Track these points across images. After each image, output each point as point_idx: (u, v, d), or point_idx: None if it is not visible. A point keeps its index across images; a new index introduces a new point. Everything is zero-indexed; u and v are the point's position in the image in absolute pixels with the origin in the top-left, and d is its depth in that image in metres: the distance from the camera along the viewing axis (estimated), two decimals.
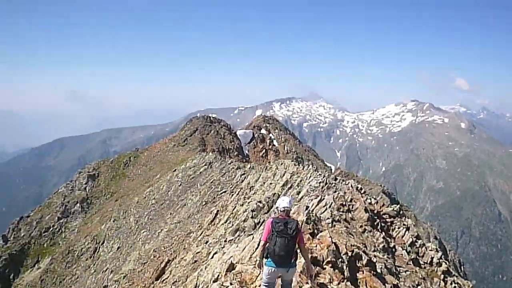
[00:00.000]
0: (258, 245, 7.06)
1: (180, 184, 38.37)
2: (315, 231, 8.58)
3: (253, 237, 10.45)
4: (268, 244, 5.55)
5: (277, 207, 5.87)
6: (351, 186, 15.87)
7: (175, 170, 44.54)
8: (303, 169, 21.50)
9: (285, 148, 71.91)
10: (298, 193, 16.70)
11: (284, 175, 21.18)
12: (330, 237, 7.91)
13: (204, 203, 29.56)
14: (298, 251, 5.84)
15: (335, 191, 14.34)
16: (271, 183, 21.50)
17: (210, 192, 31.38)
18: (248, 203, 20.52)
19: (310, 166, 21.83)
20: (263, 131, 77.17)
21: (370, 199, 14.59)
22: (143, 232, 31.92)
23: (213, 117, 73.74)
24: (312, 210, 12.04)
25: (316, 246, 7.76)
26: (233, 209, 21.78)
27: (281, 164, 24.70)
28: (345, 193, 14.19)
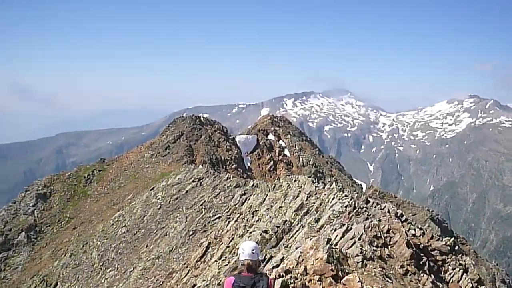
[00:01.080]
0: None
1: (160, 207, 38.36)
2: (340, 273, 8.49)
3: None
4: None
5: (238, 258, 5.52)
6: (389, 211, 15.77)
7: (153, 188, 44.54)
8: (323, 188, 21.39)
9: (300, 160, 71.95)
10: (317, 220, 16.58)
11: (298, 196, 21.09)
12: (360, 281, 7.82)
13: (191, 232, 29.52)
14: None
15: (366, 219, 14.23)
16: (281, 207, 21.41)
17: (199, 218, 31.36)
18: (250, 233, 20.42)
19: (334, 183, 21.71)
20: (270, 136, 77.30)
21: (414, 229, 14.48)
22: (109, 271, 31.86)
23: (204, 118, 73.94)
24: (336, 244, 11.94)
25: None
26: (230, 241, 21.69)
27: (295, 181, 24.58)
28: (380, 220, 14.08)
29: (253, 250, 5.50)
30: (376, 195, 72.37)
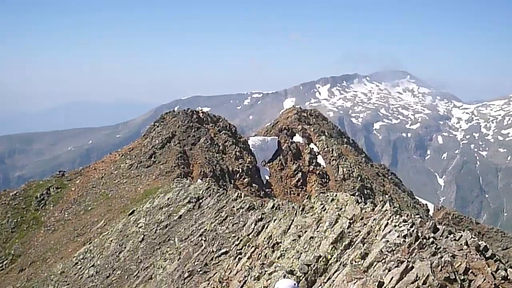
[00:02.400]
0: None
1: (143, 239, 38.43)
2: None
3: None
4: None
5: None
6: (467, 243, 15.61)
7: (132, 212, 44.65)
8: (372, 210, 21.26)
9: (340, 171, 71.83)
10: (364, 256, 16.46)
11: (337, 221, 20.99)
12: None
13: (187, 274, 29.53)
14: None
15: (434, 254, 14.10)
16: (312, 238, 21.31)
17: (198, 254, 31.35)
18: (270, 274, 20.38)
19: (387, 204, 21.56)
20: (297, 138, 77.31)
21: (506, 269, 14.30)
22: None
23: (204, 113, 74.21)
24: None
25: None
26: (241, 287, 21.64)
27: (332, 201, 24.46)
28: (454, 257, 13.93)
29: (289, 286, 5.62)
30: (448, 220, 71.95)
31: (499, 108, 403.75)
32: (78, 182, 59.69)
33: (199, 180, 52.14)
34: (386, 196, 70.12)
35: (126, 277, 34.69)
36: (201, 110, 77.90)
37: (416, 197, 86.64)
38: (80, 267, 39.41)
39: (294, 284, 6.66)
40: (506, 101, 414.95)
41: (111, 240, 41.02)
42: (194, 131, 66.29)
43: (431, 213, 77.82)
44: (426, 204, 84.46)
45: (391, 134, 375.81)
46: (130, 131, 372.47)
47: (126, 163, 60.80)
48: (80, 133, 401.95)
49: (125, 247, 38.75)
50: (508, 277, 13.60)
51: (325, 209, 24.08)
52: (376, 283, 11.76)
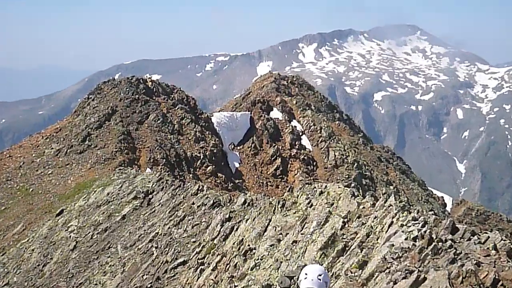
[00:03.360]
0: None
1: (75, 247, 38.26)
2: None
3: None
4: None
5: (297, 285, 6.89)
6: (495, 247, 15.75)
7: (61, 212, 44.40)
8: (373, 205, 21.38)
9: (331, 155, 72.09)
10: (362, 265, 16.55)
11: (327, 220, 21.10)
12: None
13: None
14: None
15: (453, 261, 14.21)
16: (295, 242, 21.40)
17: (148, 265, 31.35)
18: None
19: (392, 197, 21.69)
20: (276, 113, 77.46)
21: None
22: None
23: (153, 82, 73.84)
24: None
25: None
26: None
27: (321, 194, 24.58)
28: (479, 265, 14.06)
29: (319, 275, 6.74)
30: (472, 217, 72.66)
31: None
32: None
33: (148, 170, 52.16)
34: (391, 187, 70.60)
35: None
36: (150, 78, 77.63)
37: (430, 188, 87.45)
38: None
39: (324, 269, 7.28)
40: None
41: (33, 249, 40.72)
42: (141, 105, 66.03)
43: (449, 208, 78.58)
44: (442, 197, 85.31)
45: (396, 107, 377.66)
46: (56, 106, 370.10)
47: (52, 148, 60.38)
48: None
49: (51, 258, 38.49)
50: None
51: (311, 205, 24.15)
52: None
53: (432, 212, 40.92)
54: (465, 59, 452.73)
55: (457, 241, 16.45)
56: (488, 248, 15.61)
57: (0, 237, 47.98)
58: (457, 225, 18.50)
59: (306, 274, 6.76)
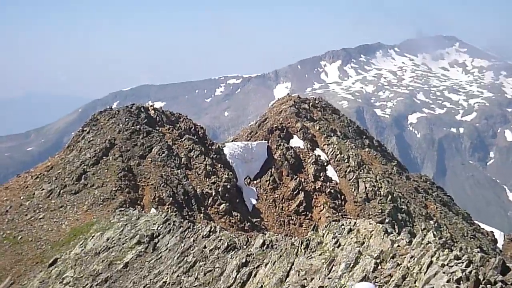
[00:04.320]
0: None
1: None
2: None
3: None
4: None
5: None
6: None
7: (54, 261, 44.38)
8: (409, 243, 21.37)
9: (361, 187, 71.93)
10: None
11: (357, 262, 21.08)
12: None
13: None
14: None
15: None
16: (322, 287, 21.37)
17: None
18: None
19: (430, 233, 21.68)
20: (296, 141, 77.44)
21: None
22: None
23: (156, 111, 74.01)
24: None
25: None
26: None
27: (350, 232, 24.58)
28: None
29: None
30: None
31: None
32: None
33: (152, 210, 52.10)
34: (431, 222, 70.29)
35: None
36: (152, 106, 77.60)
37: (477, 222, 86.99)
38: None
39: (374, 286, 9.08)
40: None
41: None
42: (143, 137, 66.06)
43: (500, 245, 78.14)
44: (492, 231, 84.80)
45: (434, 130, 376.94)
46: (47, 141, 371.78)
47: (42, 189, 60.28)
48: None
49: None
50: None
51: (339, 245, 24.15)
52: None
53: (479, 249, 40.74)
54: None
55: (509, 283, 16.40)
56: None
57: None
58: (508, 264, 18.45)
59: None
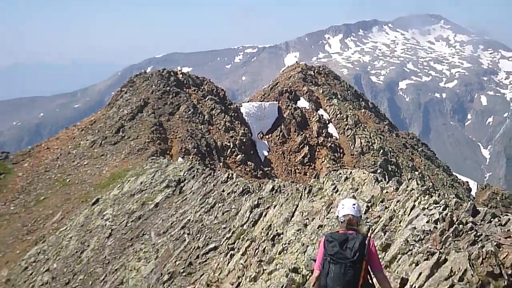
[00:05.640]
0: None
1: (111, 234, 38.40)
2: None
3: None
4: (320, 274, 7.72)
5: (336, 217, 8.16)
6: None
7: (96, 201, 44.60)
8: (396, 190, 21.34)
9: (357, 142, 71.86)
10: (385, 247, 16.55)
11: (356, 199, 21.05)
12: None
13: (167, 277, 29.59)
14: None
15: (474, 243, 14.15)
16: (322, 226, 21.37)
17: (180, 251, 31.37)
18: (269, 273, 20.47)
19: (415, 182, 21.63)
20: (303, 102, 77.26)
21: None
22: None
23: (184, 74, 73.87)
24: None
25: None
26: None
27: (346, 180, 24.56)
28: (499, 246, 13.98)
29: (353, 205, 7.96)
30: (497, 201, 71.97)
31: None
32: (26, 166, 59.43)
33: (179, 159, 52.22)
34: (416, 173, 70.20)
35: (90, 282, 34.65)
36: (180, 70, 77.42)
37: (455, 174, 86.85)
38: (31, 273, 39.27)
39: (357, 201, 8.54)
40: None
41: (71, 237, 40.89)
42: (172, 97, 66.10)
43: (473, 193, 77.99)
44: (467, 182, 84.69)
45: (421, 95, 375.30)
46: (91, 100, 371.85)
47: (87, 140, 60.53)
48: (27, 103, 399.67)
49: (88, 246, 38.64)
50: None
51: (337, 191, 24.15)
52: (399, 280, 11.86)
53: (456, 196, 40.56)
54: (489, 47, 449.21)
55: (478, 224, 16.36)
56: (509, 230, 15.50)
57: (40, 225, 48.20)
58: (477, 208, 18.43)
59: (343, 205, 7.89)
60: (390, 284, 8.59)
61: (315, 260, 15.97)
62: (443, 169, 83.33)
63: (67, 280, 36.13)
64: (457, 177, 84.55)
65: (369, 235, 8.00)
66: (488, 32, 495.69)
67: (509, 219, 16.61)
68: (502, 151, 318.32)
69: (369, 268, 7.73)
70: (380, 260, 15.62)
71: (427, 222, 16.40)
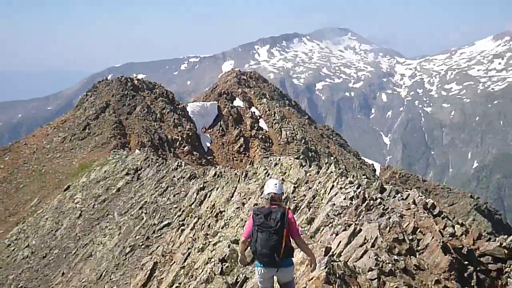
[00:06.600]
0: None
1: (80, 215, 38.11)
2: None
3: None
4: (250, 241, 8.10)
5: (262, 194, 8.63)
6: (414, 202, 15.79)
7: (68, 187, 44.30)
8: (317, 173, 21.39)
9: (283, 134, 72.16)
10: (310, 221, 16.53)
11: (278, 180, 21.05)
12: None
13: (128, 249, 29.33)
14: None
15: (382, 215, 14.21)
16: (257, 204, 21.32)
17: (139, 228, 31.18)
18: (214, 245, 20.32)
19: (332, 166, 21.73)
20: (238, 102, 77.26)
21: (453, 225, 14.50)
22: None
23: (139, 80, 73.69)
24: (339, 255, 11.89)
25: None
26: (185, 259, 21.56)
27: (276, 166, 24.56)
28: (402, 216, 14.07)
29: (275, 184, 8.42)
30: (395, 179, 73.30)
31: (441, 63, 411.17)
32: (7, 159, 58.73)
33: (137, 151, 51.91)
34: (332, 158, 70.81)
35: (64, 255, 34.39)
36: (136, 77, 77.47)
37: (362, 158, 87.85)
38: (14, 249, 38.87)
39: (279, 181, 8.93)
40: (448, 55, 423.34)
41: (47, 218, 40.61)
42: (130, 99, 65.91)
43: (378, 173, 79.09)
44: (372, 164, 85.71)
45: (334, 94, 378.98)
46: (61, 103, 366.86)
47: (59, 136, 60.20)
48: (7, 106, 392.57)
49: (61, 225, 38.40)
50: (456, 233, 13.84)
51: (268, 174, 24.17)
52: (323, 249, 11.77)
53: (365, 177, 40.92)
54: (387, 54, 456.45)
55: (385, 199, 16.53)
56: (409, 203, 15.68)
57: (20, 209, 47.93)
58: (384, 186, 18.59)
59: (267, 185, 8.42)
60: (307, 245, 9.05)
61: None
62: (353, 154, 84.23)
63: (44, 254, 35.81)
64: (364, 160, 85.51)
65: (287, 208, 8.36)
66: (386, 42, 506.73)
67: (409, 194, 16.86)
68: (399, 138, 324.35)
69: (290, 235, 8.04)
70: (306, 231, 15.66)
71: (344, 199, 16.46)
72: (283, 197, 9.47)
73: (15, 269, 36.10)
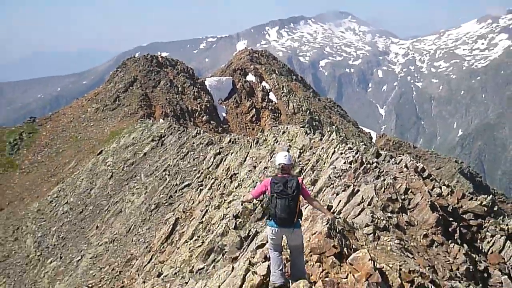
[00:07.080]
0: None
1: (111, 177, 38.25)
2: (345, 249, 8.35)
3: (238, 264, 9.90)
4: (269, 205, 8.04)
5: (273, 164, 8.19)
6: (406, 166, 15.73)
7: (100, 152, 44.43)
8: (321, 140, 21.31)
9: (290, 105, 71.88)
10: (314, 182, 16.50)
11: (288, 151, 21.01)
12: (372, 258, 7.68)
13: (153, 206, 29.44)
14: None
15: (377, 177, 14.16)
16: (266, 168, 21.32)
17: (163, 188, 31.27)
18: (229, 203, 20.36)
19: (334, 134, 21.63)
20: (250, 77, 76.83)
21: (440, 187, 14.46)
22: (50, 263, 31.78)
23: (163, 58, 73.31)
24: (339, 212, 11.84)
25: (346, 277, 7.54)
26: (203, 215, 21.62)
27: (283, 133, 24.50)
28: (395, 179, 14.02)
29: (285, 155, 8.27)
30: (389, 146, 73.02)
31: (431, 43, 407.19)
32: (48, 127, 59.00)
33: (161, 120, 51.87)
34: (333, 126, 70.63)
35: (97, 211, 34.66)
36: (160, 55, 77.09)
37: (360, 127, 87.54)
38: (55, 205, 39.20)
39: (288, 152, 8.82)
40: (437, 36, 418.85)
41: (82, 179, 40.83)
42: (154, 74, 65.77)
43: (374, 140, 78.85)
44: (369, 132, 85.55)
45: (335, 70, 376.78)
46: (94, 78, 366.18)
47: (92, 107, 60.33)
48: (48, 81, 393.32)
49: (95, 185, 38.63)
50: (442, 193, 13.84)
51: (277, 141, 24.13)
52: (325, 207, 11.69)
53: (362, 143, 40.78)
54: (382, 35, 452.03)
55: (380, 163, 16.51)
56: (401, 167, 15.62)
57: (59, 171, 48.29)
58: (380, 152, 18.48)
59: (278, 157, 8.27)
60: (319, 201, 9.45)
61: None
62: (352, 123, 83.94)
63: (80, 210, 36.11)
64: (362, 129, 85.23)
65: (300, 177, 8.42)
66: (382, 24, 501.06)
67: (401, 159, 16.79)
68: (393, 109, 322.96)
69: (302, 198, 8.08)
70: (310, 191, 15.60)
71: (344, 163, 16.39)
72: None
73: (56, 222, 36.46)
